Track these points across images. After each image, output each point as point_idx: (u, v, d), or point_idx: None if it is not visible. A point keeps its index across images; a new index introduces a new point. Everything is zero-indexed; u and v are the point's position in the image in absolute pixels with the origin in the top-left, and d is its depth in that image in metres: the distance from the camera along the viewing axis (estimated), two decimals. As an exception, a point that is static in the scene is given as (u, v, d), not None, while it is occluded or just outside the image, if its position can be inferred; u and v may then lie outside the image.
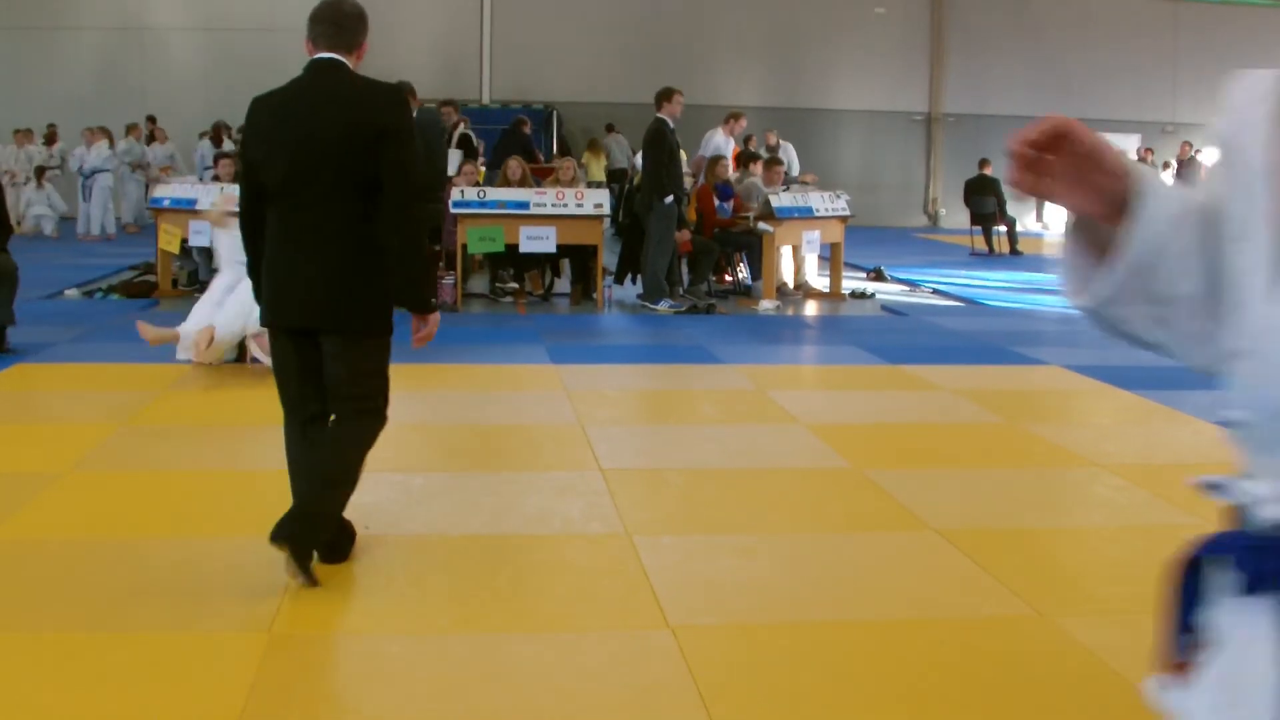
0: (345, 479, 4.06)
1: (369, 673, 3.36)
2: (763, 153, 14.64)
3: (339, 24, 4.03)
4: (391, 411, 6.16)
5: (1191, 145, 20.78)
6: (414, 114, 11.75)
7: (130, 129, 19.10)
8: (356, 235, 3.92)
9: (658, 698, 3.25)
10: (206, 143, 18.16)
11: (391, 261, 3.92)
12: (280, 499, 4.96)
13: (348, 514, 4.20)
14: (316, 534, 4.00)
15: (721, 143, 13.65)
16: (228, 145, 16.76)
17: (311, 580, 3.90)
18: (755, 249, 11.81)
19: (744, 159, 13.22)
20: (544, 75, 22.18)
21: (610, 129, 20.39)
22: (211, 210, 7.89)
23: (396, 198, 3.88)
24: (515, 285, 11.32)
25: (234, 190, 6.76)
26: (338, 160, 3.88)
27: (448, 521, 4.81)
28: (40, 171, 17.48)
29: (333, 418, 4.11)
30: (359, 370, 4.00)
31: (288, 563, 3.86)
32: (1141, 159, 24.14)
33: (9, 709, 3.10)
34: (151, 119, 19.38)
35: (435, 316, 4.11)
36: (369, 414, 4.07)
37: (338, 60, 4.02)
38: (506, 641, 3.64)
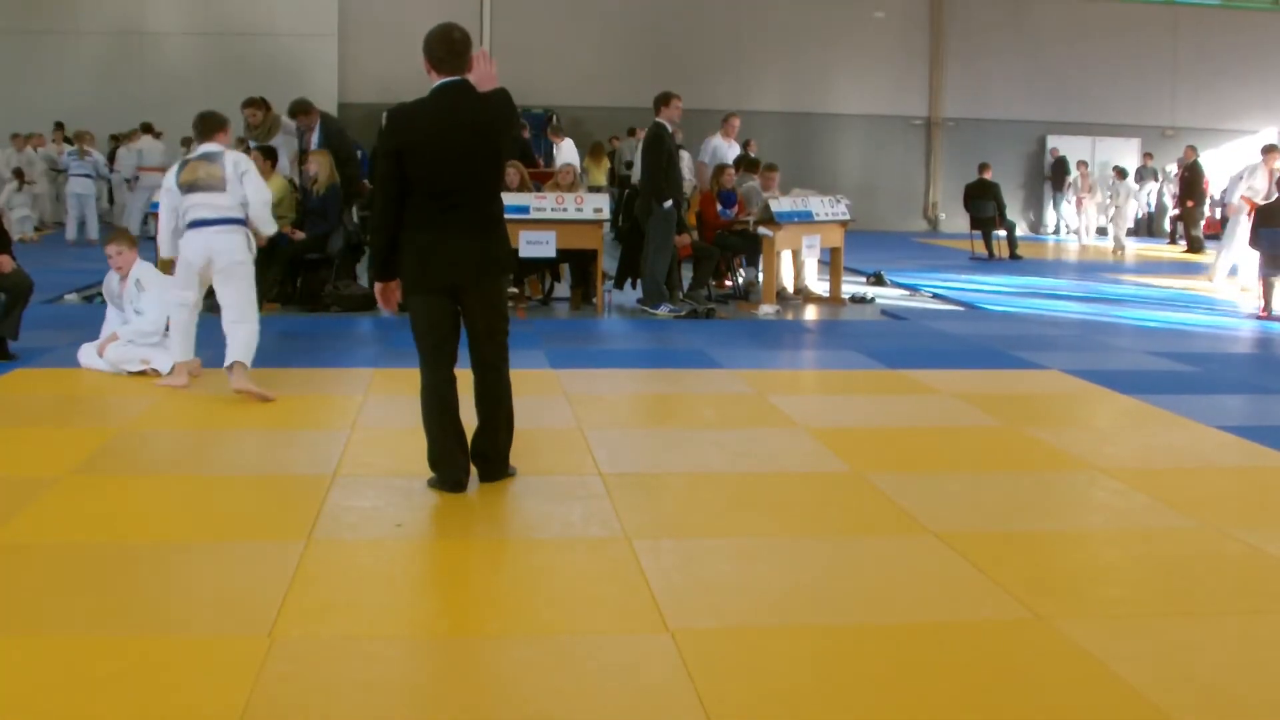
0: (511, 406, 5.21)
1: (368, 676, 3.36)
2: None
3: (456, 51, 4.93)
4: (390, 416, 6.18)
5: (1196, 149, 20.75)
6: (319, 124, 11.86)
7: (129, 135, 19.09)
8: (496, 217, 5.08)
9: (657, 702, 3.25)
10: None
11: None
12: (278, 502, 4.98)
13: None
14: (507, 458, 5.27)
15: (721, 147, 13.64)
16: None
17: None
18: (755, 253, 11.82)
19: (745, 164, 13.22)
20: (543, 79, 22.19)
21: (631, 133, 20.40)
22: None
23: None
24: (515, 290, 11.32)
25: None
26: (488, 168, 5.01)
27: (447, 525, 4.82)
28: (19, 173, 17.52)
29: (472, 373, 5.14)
30: (500, 312, 5.10)
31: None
32: (1142, 165, 24.21)
33: (8, 712, 3.10)
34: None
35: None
36: (507, 355, 5.15)
37: (466, 82, 4.94)
38: (506, 645, 3.64)
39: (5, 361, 7.84)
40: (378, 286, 5.15)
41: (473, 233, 4.97)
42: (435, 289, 4.99)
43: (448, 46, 4.93)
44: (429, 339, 5.04)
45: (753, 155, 14.56)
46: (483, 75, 5.01)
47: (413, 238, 4.96)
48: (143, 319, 7.56)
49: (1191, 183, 20.31)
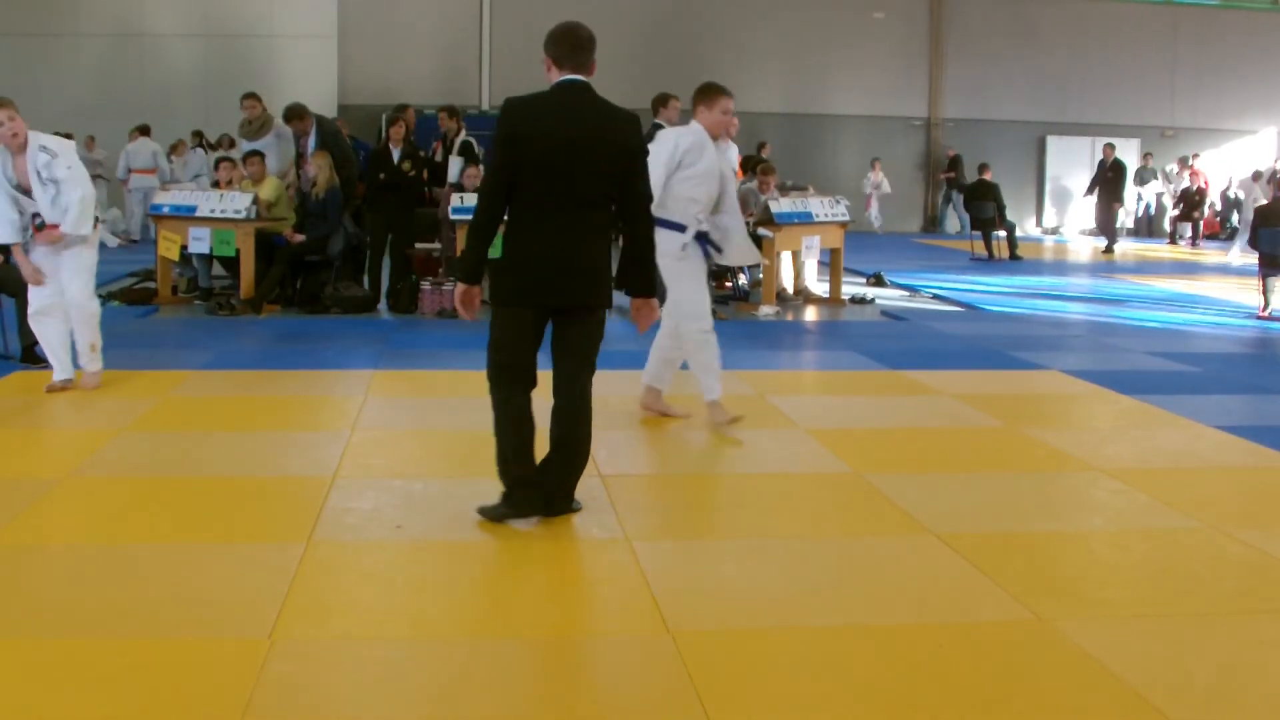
0: (589, 433, 4.90)
1: (368, 678, 3.36)
2: None
3: (581, 48, 4.72)
4: (390, 417, 6.17)
5: (1114, 147, 20.63)
6: (315, 128, 11.83)
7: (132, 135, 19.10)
8: (604, 234, 4.66)
9: (658, 703, 3.25)
10: (199, 149, 18.10)
11: (636, 254, 4.72)
12: (278, 504, 4.98)
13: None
14: (573, 493, 4.90)
15: (720, 148, 13.61)
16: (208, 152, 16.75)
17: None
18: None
19: (750, 164, 13.21)
20: (543, 80, 22.15)
21: None
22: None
23: (644, 203, 4.70)
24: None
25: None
26: (603, 175, 4.57)
27: (447, 527, 4.81)
28: None
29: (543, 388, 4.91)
30: (596, 338, 4.81)
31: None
32: (1143, 165, 24.23)
33: (8, 712, 3.10)
34: (198, 133, 19.25)
35: (655, 302, 4.82)
36: (593, 375, 4.87)
37: (588, 83, 4.71)
38: (506, 647, 3.64)
39: (37, 365, 7.71)
40: (460, 289, 4.78)
41: (591, 250, 4.61)
42: (542, 305, 4.66)
43: (571, 43, 4.72)
44: (514, 355, 4.77)
45: (764, 157, 14.55)
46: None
47: (511, 240, 4.62)
48: (65, 195, 6.92)
49: (1114, 183, 20.25)
